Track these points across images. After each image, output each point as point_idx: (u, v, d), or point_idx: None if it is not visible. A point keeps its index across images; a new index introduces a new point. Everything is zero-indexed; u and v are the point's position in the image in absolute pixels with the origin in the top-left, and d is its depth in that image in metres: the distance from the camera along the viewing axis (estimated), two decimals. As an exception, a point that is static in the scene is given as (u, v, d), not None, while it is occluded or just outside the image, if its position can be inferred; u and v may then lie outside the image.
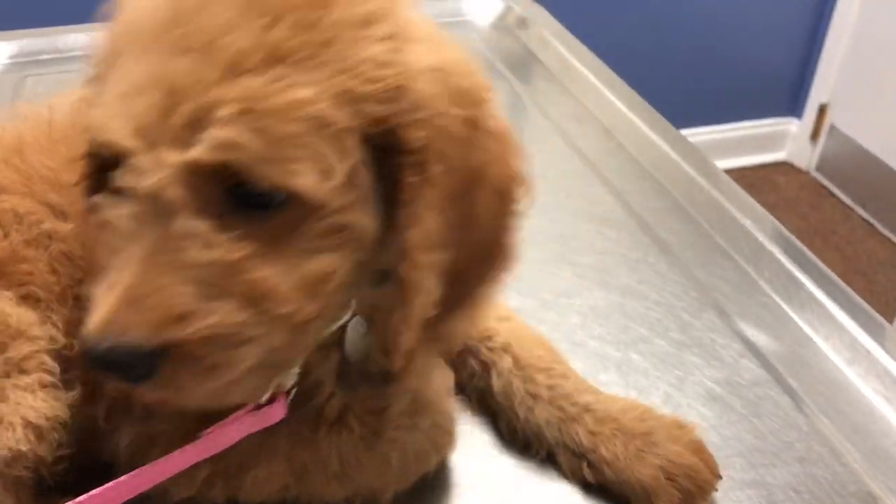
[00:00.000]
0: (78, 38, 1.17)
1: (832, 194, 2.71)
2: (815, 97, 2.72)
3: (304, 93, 0.40)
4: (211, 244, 0.41)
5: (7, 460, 0.49)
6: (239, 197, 0.42)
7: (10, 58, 1.13)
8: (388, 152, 0.44)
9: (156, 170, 0.41)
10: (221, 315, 0.42)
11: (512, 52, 1.23)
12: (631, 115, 1.06)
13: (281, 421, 0.53)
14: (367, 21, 0.44)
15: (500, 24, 1.31)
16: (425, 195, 0.44)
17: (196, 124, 0.40)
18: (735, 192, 0.92)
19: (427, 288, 0.46)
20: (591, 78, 1.13)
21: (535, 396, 0.62)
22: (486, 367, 0.65)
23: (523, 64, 1.21)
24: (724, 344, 0.74)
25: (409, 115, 0.43)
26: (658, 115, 1.05)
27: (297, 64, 0.41)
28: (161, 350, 0.41)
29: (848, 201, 2.65)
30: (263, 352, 0.44)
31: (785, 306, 0.79)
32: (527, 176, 0.50)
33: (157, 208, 0.41)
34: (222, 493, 0.54)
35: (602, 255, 0.84)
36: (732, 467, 0.62)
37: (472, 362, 0.66)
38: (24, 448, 0.50)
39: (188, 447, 0.49)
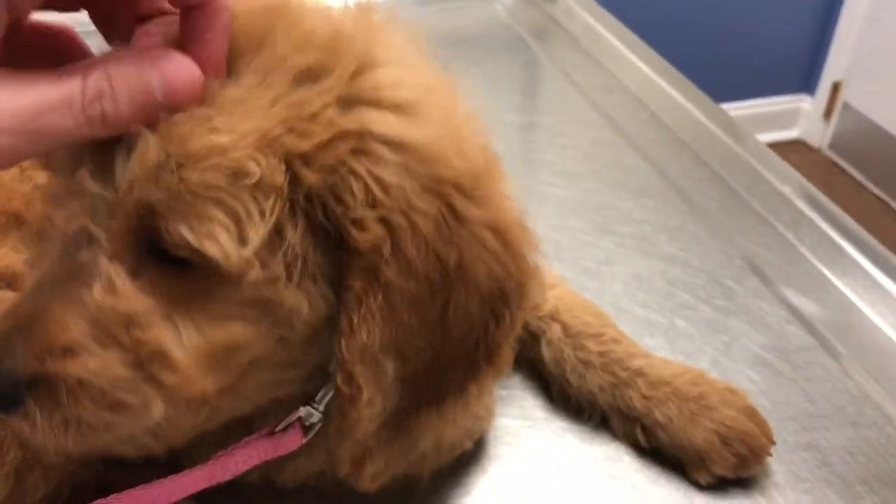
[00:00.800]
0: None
1: (845, 172, 2.69)
2: (829, 74, 2.70)
3: (224, 139, 0.36)
4: (114, 289, 0.38)
5: None
6: (158, 249, 0.38)
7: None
8: (337, 239, 0.39)
9: (76, 197, 0.38)
10: (103, 363, 0.38)
11: (538, 23, 1.22)
12: (663, 84, 1.05)
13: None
14: (321, 68, 0.38)
15: (525, -3, 1.30)
16: (369, 304, 0.39)
17: (124, 153, 0.36)
18: (772, 160, 0.91)
19: (366, 400, 0.40)
20: (621, 47, 1.12)
21: (586, 363, 0.62)
22: (535, 336, 0.64)
23: (550, 34, 1.20)
24: (769, 310, 0.74)
25: (358, 209, 0.37)
26: (690, 84, 1.04)
27: (230, 105, 0.37)
28: (33, 380, 0.37)
29: (861, 179, 2.64)
30: (141, 423, 0.39)
31: (828, 273, 0.78)
32: (535, 272, 0.44)
33: (75, 236, 0.38)
34: (260, 477, 0.54)
35: (641, 223, 0.84)
36: (786, 430, 0.62)
37: (521, 332, 0.65)
38: None
39: (195, 470, 0.44)
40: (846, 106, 2.68)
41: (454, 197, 0.39)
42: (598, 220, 0.84)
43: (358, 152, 0.37)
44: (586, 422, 0.62)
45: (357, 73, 0.39)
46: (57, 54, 0.40)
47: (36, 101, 0.34)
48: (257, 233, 0.37)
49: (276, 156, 0.37)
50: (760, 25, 2.57)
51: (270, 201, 0.37)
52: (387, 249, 0.38)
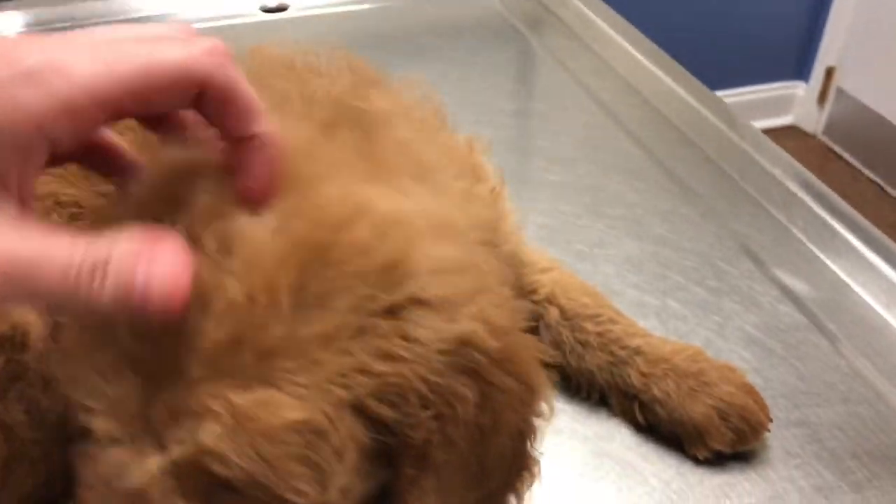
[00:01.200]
0: (92, 7, 1.16)
1: (840, 157, 2.70)
2: (822, 60, 2.70)
3: (296, 414, 0.35)
4: None
5: (55, 423, 0.49)
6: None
7: (27, 26, 1.12)
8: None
9: (137, 469, 0.36)
10: None
11: (531, 12, 1.22)
12: (654, 70, 1.05)
13: None
14: (381, 285, 0.37)
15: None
16: (422, 485, 0.40)
17: (180, 423, 0.35)
18: (763, 143, 0.92)
19: None
20: (612, 33, 1.13)
21: (584, 344, 0.62)
22: (533, 321, 0.65)
23: (543, 23, 1.20)
24: (761, 290, 0.74)
25: (414, 414, 0.38)
26: (681, 69, 1.04)
27: (288, 373, 0.35)
28: None
29: (856, 164, 2.65)
30: None
31: (820, 254, 0.79)
32: (548, 394, 0.45)
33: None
34: None
35: (633, 206, 0.84)
36: (777, 407, 0.62)
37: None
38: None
39: None
40: (840, 91, 2.68)
41: (488, 371, 0.39)
42: (590, 203, 0.84)
43: (417, 370, 0.37)
44: (582, 401, 0.63)
45: (400, 277, 0.38)
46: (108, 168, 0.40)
47: (37, 255, 0.33)
48: (338, 480, 0.37)
49: (352, 406, 0.36)
50: (753, 12, 2.57)
51: (349, 450, 0.37)
52: (437, 438, 0.39)
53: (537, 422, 0.44)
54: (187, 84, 0.35)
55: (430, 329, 0.37)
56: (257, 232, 0.36)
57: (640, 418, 0.60)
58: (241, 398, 0.34)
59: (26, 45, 0.33)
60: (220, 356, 0.35)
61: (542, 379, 0.44)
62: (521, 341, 0.43)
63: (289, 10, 1.22)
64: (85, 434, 0.38)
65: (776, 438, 0.61)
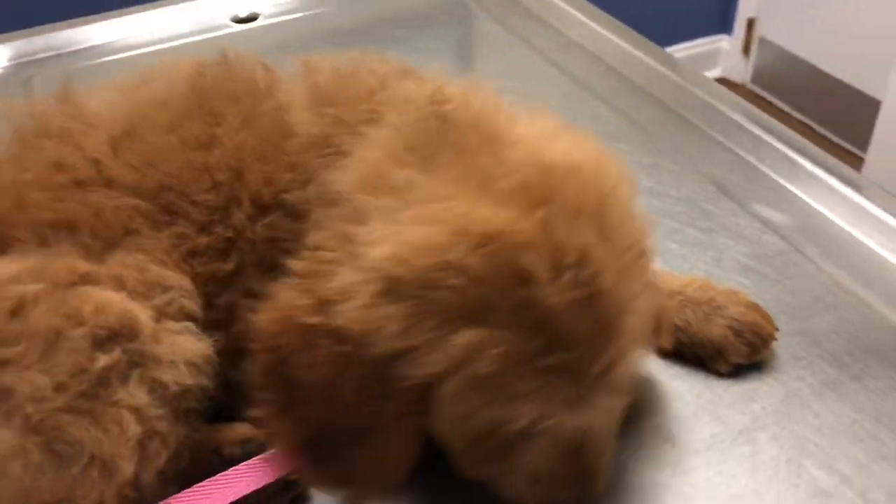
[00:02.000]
0: (74, 34, 1.19)
1: (771, 104, 2.85)
2: (743, 12, 2.84)
3: (647, 306, 0.53)
4: None
5: (177, 395, 0.54)
6: None
7: (11, 60, 1.14)
8: None
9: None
10: None
11: (488, -4, 1.30)
12: (615, 39, 1.14)
13: None
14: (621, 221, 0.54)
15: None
16: None
17: (613, 381, 0.51)
18: (724, 94, 1.01)
19: None
20: (570, 10, 1.21)
21: None
22: None
23: (502, 5, 1.27)
24: (745, 224, 0.84)
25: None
26: (639, 35, 1.13)
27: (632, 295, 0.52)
28: None
29: (785, 108, 2.80)
30: None
31: (789, 186, 0.89)
32: None
33: None
34: None
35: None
36: (779, 322, 0.71)
37: None
38: (189, 382, 0.55)
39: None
40: (762, 40, 2.82)
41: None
42: (582, 167, 0.92)
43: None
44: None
45: (617, 198, 0.55)
46: None
47: None
48: None
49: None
50: (674, -27, 2.68)
51: None
52: None
53: None
54: None
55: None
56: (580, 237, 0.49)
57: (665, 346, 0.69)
58: (633, 321, 0.51)
59: None
60: (612, 320, 0.50)
61: None
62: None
63: (259, 18, 1.26)
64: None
65: (782, 348, 0.70)
